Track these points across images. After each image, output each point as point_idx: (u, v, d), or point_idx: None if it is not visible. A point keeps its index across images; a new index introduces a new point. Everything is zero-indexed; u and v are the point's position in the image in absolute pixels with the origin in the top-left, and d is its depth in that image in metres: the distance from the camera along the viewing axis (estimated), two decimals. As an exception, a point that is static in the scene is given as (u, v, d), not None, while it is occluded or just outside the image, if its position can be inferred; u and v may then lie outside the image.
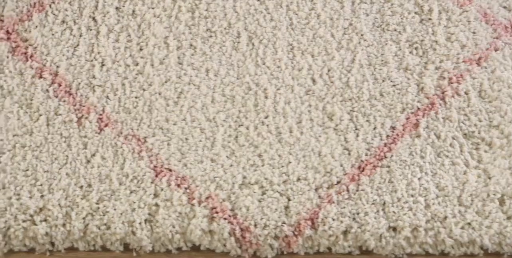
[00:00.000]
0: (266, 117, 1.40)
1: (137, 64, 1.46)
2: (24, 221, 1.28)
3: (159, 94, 1.42)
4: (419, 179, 1.33)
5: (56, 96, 1.41)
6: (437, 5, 1.53)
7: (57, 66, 1.45)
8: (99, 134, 1.37)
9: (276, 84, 1.43)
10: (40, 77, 1.43)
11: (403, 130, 1.38)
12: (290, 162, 1.35)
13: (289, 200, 1.31)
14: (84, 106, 1.40)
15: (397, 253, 1.28)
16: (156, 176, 1.33)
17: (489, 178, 1.33)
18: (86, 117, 1.39)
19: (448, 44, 1.48)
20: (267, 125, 1.39)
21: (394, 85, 1.44)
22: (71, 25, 1.50)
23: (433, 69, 1.45)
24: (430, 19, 1.52)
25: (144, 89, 1.43)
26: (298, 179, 1.33)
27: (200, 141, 1.37)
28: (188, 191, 1.31)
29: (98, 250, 1.29)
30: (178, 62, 1.46)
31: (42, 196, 1.31)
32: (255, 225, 1.28)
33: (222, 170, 1.34)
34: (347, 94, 1.42)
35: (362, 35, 1.49)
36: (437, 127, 1.39)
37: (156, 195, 1.31)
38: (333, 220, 1.29)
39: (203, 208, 1.29)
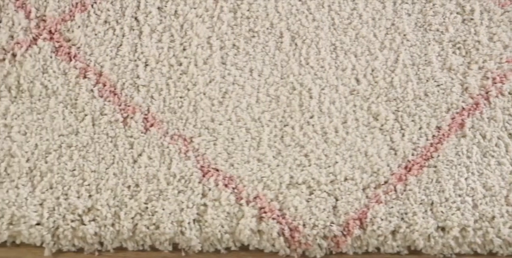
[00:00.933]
0: (311, 117, 1.40)
1: (180, 64, 1.46)
2: (72, 221, 1.28)
3: (204, 94, 1.42)
4: (466, 179, 1.33)
5: (101, 96, 1.41)
6: (478, 5, 1.53)
7: (101, 66, 1.45)
8: (145, 133, 1.37)
9: (321, 84, 1.43)
10: (85, 77, 1.43)
11: (449, 130, 1.38)
12: (336, 162, 1.35)
13: (337, 200, 1.31)
14: (129, 106, 1.40)
15: (446, 253, 1.28)
16: (204, 175, 1.33)
17: (536, 178, 1.33)
18: (132, 117, 1.39)
19: (491, 44, 1.48)
20: (313, 125, 1.39)
21: (438, 85, 1.44)
22: (114, 25, 1.50)
23: (476, 69, 1.45)
24: (472, 19, 1.52)
25: (188, 89, 1.43)
26: (346, 179, 1.33)
27: (246, 140, 1.37)
28: (235, 190, 1.31)
29: (146, 250, 1.29)
30: (222, 62, 1.46)
31: (90, 196, 1.31)
32: (304, 225, 1.28)
33: (269, 170, 1.34)
34: (391, 94, 1.42)
35: (404, 35, 1.49)
36: (482, 127, 1.39)
37: (204, 195, 1.31)
38: (382, 220, 1.29)
39: (252, 208, 1.29)
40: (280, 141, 1.37)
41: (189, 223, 1.28)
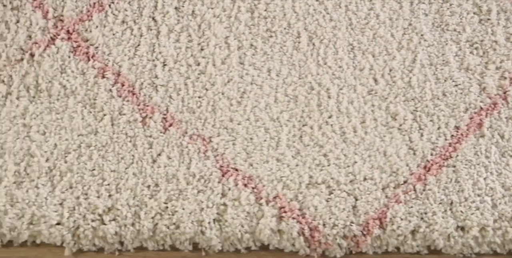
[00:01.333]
0: (329, 117, 1.40)
1: (199, 64, 1.46)
2: (93, 221, 1.29)
3: (222, 94, 1.42)
4: (484, 178, 1.33)
5: (120, 96, 1.42)
6: (495, 6, 1.53)
7: (120, 66, 1.45)
8: (164, 133, 1.38)
9: (339, 84, 1.44)
10: (103, 77, 1.44)
11: (467, 130, 1.38)
12: (355, 162, 1.35)
13: (356, 199, 1.31)
14: (148, 106, 1.40)
15: (466, 252, 1.28)
16: (223, 175, 1.33)
17: (555, 178, 1.34)
18: (151, 117, 1.39)
19: (508, 44, 1.48)
20: (331, 125, 1.39)
21: (456, 85, 1.44)
22: (132, 25, 1.50)
23: (494, 69, 1.45)
24: (489, 19, 1.52)
25: (207, 89, 1.43)
26: (365, 179, 1.33)
27: (265, 140, 1.37)
28: (255, 190, 1.32)
29: (167, 250, 1.29)
30: (240, 62, 1.46)
31: (110, 196, 1.31)
32: (324, 225, 1.28)
33: (288, 170, 1.34)
34: (409, 94, 1.43)
35: (422, 35, 1.50)
36: (500, 127, 1.39)
37: (223, 195, 1.31)
38: (402, 219, 1.29)
39: (272, 208, 1.30)
40: (299, 140, 1.38)
41: (209, 222, 1.28)
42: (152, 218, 1.29)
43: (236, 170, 1.34)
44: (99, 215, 1.29)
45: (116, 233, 1.28)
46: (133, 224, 1.28)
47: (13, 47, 1.47)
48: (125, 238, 1.28)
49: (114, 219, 1.29)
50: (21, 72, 1.44)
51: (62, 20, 1.51)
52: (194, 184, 1.32)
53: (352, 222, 1.29)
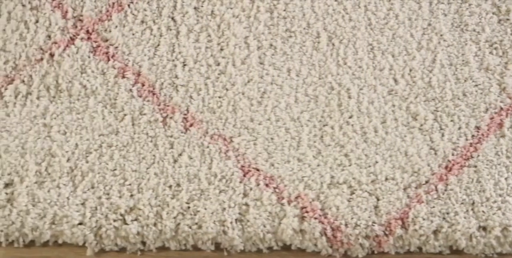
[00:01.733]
0: (350, 117, 1.40)
1: (218, 64, 1.46)
2: (115, 220, 1.29)
3: (243, 94, 1.42)
4: (506, 178, 1.33)
5: (140, 96, 1.42)
6: (514, 5, 1.54)
7: (140, 66, 1.45)
8: (185, 133, 1.38)
9: (359, 84, 1.44)
10: (123, 77, 1.44)
11: (488, 130, 1.38)
12: (377, 162, 1.35)
13: (378, 199, 1.31)
14: (168, 106, 1.40)
15: (488, 252, 1.28)
16: (244, 175, 1.33)
17: None
18: (171, 117, 1.39)
19: (527, 44, 1.49)
20: (352, 125, 1.39)
21: (476, 85, 1.44)
22: (151, 25, 1.50)
23: (513, 69, 1.46)
24: (508, 19, 1.52)
25: (227, 89, 1.43)
26: (386, 179, 1.33)
27: (286, 140, 1.37)
28: (277, 190, 1.32)
29: (189, 250, 1.29)
30: (260, 62, 1.46)
31: (131, 196, 1.31)
32: (346, 225, 1.28)
33: (310, 170, 1.34)
34: (430, 94, 1.43)
35: (441, 35, 1.50)
36: (521, 127, 1.39)
37: (245, 195, 1.31)
38: (424, 219, 1.29)
39: (293, 208, 1.30)
40: (319, 140, 1.38)
41: (231, 222, 1.28)
42: (174, 218, 1.29)
43: (258, 170, 1.34)
44: (121, 215, 1.29)
45: (138, 233, 1.28)
46: (155, 224, 1.28)
47: (32, 47, 1.47)
48: (147, 238, 1.28)
49: (136, 219, 1.29)
50: (41, 72, 1.44)
51: (81, 20, 1.51)
52: (215, 184, 1.32)
53: (374, 222, 1.29)
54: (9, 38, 1.48)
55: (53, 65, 1.45)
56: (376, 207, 1.31)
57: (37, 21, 1.50)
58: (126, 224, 1.28)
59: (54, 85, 1.43)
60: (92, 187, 1.32)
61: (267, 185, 1.32)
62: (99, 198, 1.30)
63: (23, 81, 1.43)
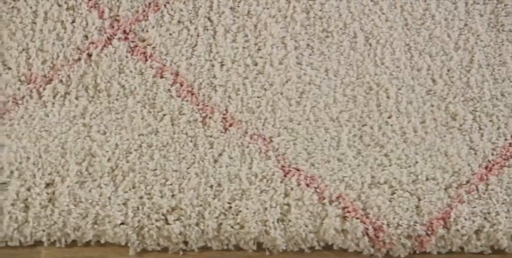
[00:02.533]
0: (389, 117, 1.40)
1: (256, 64, 1.46)
2: (157, 220, 1.29)
3: (281, 94, 1.42)
4: (545, 178, 1.34)
5: (179, 96, 1.42)
6: (550, 5, 1.54)
7: (178, 66, 1.45)
8: (224, 133, 1.38)
9: (397, 84, 1.44)
10: (161, 77, 1.44)
11: (527, 130, 1.39)
12: (417, 162, 1.35)
13: (419, 199, 1.31)
14: (207, 106, 1.41)
15: (529, 252, 1.29)
16: (285, 175, 1.33)
17: None
18: (210, 117, 1.39)
19: None
20: (391, 125, 1.39)
21: (514, 86, 1.45)
22: (188, 25, 1.50)
23: (551, 69, 1.46)
24: (544, 19, 1.53)
25: (265, 89, 1.43)
26: (427, 179, 1.33)
27: (325, 140, 1.38)
28: (318, 190, 1.32)
29: (231, 249, 1.29)
30: (297, 62, 1.47)
31: (173, 195, 1.31)
32: (388, 225, 1.29)
33: (350, 170, 1.34)
34: (468, 94, 1.43)
35: (478, 35, 1.50)
36: (559, 127, 1.40)
37: (286, 195, 1.31)
38: (465, 219, 1.29)
39: (335, 208, 1.30)
40: (359, 140, 1.38)
41: (273, 222, 1.28)
42: (216, 217, 1.29)
43: (298, 169, 1.34)
44: (163, 214, 1.29)
45: (180, 233, 1.28)
46: (197, 224, 1.28)
47: (70, 47, 1.47)
48: (190, 237, 1.28)
49: (178, 219, 1.29)
50: (79, 72, 1.44)
51: (118, 20, 1.51)
52: (256, 183, 1.32)
53: (416, 222, 1.29)
54: (46, 38, 1.48)
55: (91, 65, 1.45)
56: (417, 207, 1.31)
57: (73, 21, 1.50)
58: (168, 224, 1.28)
59: (93, 85, 1.43)
60: (134, 187, 1.32)
61: (308, 185, 1.32)
62: (141, 197, 1.31)
63: (61, 81, 1.43)
